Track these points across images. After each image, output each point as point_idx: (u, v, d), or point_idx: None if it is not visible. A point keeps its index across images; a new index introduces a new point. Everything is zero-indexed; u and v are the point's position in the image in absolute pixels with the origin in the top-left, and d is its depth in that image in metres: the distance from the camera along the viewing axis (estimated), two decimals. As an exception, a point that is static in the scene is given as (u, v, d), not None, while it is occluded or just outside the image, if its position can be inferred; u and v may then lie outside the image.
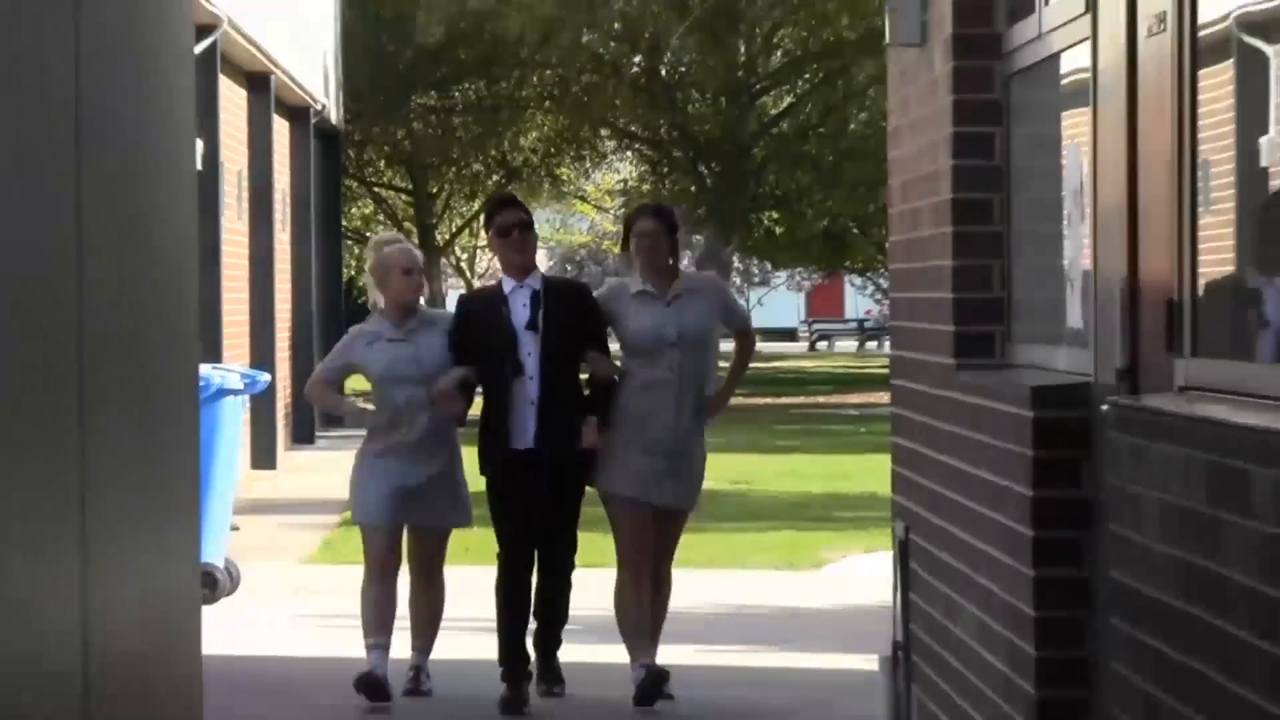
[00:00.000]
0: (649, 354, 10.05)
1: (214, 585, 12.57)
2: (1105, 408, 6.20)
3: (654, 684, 9.94)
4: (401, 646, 10.18)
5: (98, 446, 5.51)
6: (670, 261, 10.43)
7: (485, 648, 10.32)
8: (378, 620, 9.99)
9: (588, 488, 10.29)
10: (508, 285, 10.20)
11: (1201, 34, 5.83)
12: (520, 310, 9.97)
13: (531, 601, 10.12)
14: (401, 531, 10.15)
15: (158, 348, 6.42)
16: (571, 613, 10.27)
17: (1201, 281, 5.86)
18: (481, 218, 11.41)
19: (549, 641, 10.26)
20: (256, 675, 10.52)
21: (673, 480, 10.11)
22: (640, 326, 10.03)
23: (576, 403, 10.10)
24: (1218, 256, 5.79)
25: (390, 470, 9.98)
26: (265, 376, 15.45)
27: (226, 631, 10.77)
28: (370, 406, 10.57)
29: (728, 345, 11.49)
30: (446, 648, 10.43)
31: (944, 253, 7.94)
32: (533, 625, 10.27)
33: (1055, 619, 6.83)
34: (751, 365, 11.54)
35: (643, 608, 10.13)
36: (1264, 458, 4.68)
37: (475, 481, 10.34)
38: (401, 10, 35.84)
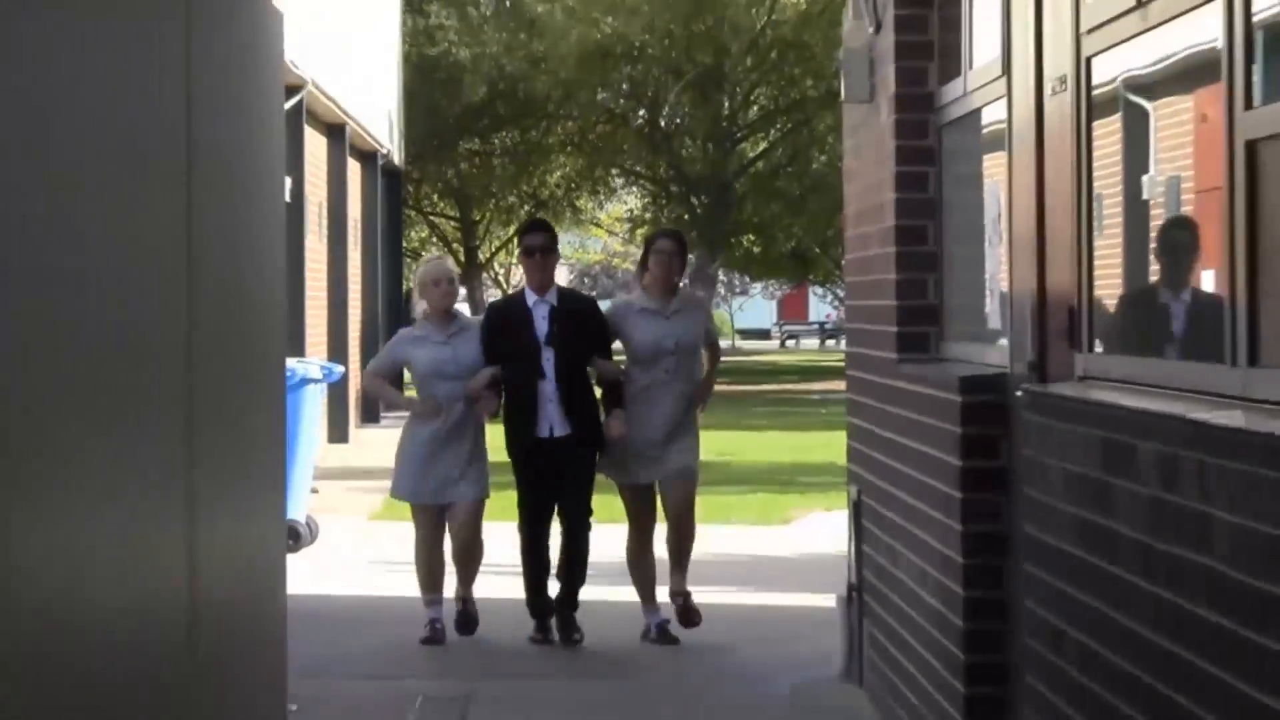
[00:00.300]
0: (651, 360, 10.05)
1: (297, 538, 12.62)
2: (1019, 394, 6.20)
3: (662, 635, 10.07)
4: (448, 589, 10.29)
5: (203, 426, 5.50)
6: (676, 279, 10.48)
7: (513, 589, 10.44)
8: (431, 581, 10.09)
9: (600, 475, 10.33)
10: (530, 298, 10.19)
11: (1095, 93, 5.83)
12: (541, 323, 9.99)
13: (548, 554, 10.17)
14: (443, 510, 10.11)
15: (253, 344, 6.41)
16: (590, 560, 10.23)
17: (1096, 291, 5.85)
18: (516, 238, 10.94)
19: (569, 601, 10.18)
20: (330, 611, 10.54)
21: (671, 457, 10.07)
22: (645, 338, 10.05)
23: (587, 397, 10.13)
24: (1108, 271, 5.79)
25: (430, 456, 9.96)
26: (340, 368, 15.47)
27: (307, 575, 10.74)
28: (414, 396, 10.48)
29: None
30: (483, 589, 10.42)
31: (888, 268, 7.93)
32: (555, 586, 10.27)
33: (979, 565, 6.82)
34: (732, 358, 11.74)
35: (648, 564, 10.18)
36: (1146, 433, 4.67)
37: (495, 454, 10.36)
38: (451, 73, 35.79)
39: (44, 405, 3.86)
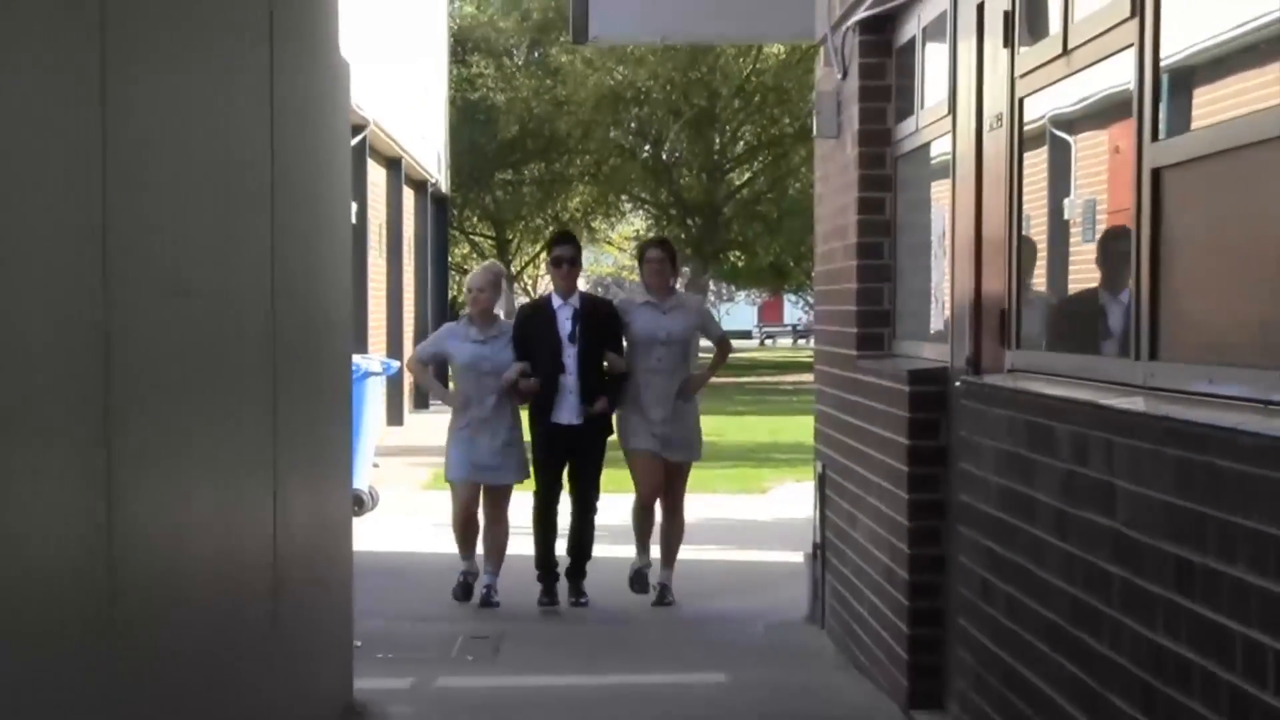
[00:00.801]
0: (645, 348, 9.62)
1: (361, 504, 12.57)
2: (957, 384, 6.20)
3: (661, 595, 9.66)
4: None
5: (285, 412, 5.52)
6: (670, 281, 10.10)
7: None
8: (467, 545, 9.75)
9: (609, 448, 9.89)
10: (555, 301, 9.78)
11: (1026, 129, 5.83)
12: (565, 324, 9.60)
13: (556, 521, 9.78)
14: (479, 487, 9.62)
15: (324, 343, 6.42)
16: (598, 525, 9.89)
17: (1024, 297, 5.85)
18: (545, 251, 10.53)
19: (577, 570, 9.80)
20: (388, 565, 10.52)
21: (672, 441, 9.66)
22: (639, 328, 9.65)
23: (600, 390, 9.63)
24: (1036, 280, 5.79)
25: (471, 442, 9.50)
26: (396, 363, 15.47)
27: (369, 535, 10.75)
28: (452, 388, 10.02)
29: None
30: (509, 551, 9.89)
31: (850, 279, 7.93)
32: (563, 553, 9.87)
33: (921, 528, 6.82)
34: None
35: (649, 523, 9.83)
36: (1063, 418, 4.69)
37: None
38: (489, 115, 35.77)
39: (160, 395, 3.88)
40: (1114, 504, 4.21)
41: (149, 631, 3.80)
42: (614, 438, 9.83)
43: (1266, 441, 3.35)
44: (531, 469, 9.71)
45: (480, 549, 9.76)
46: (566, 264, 9.87)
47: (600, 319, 9.71)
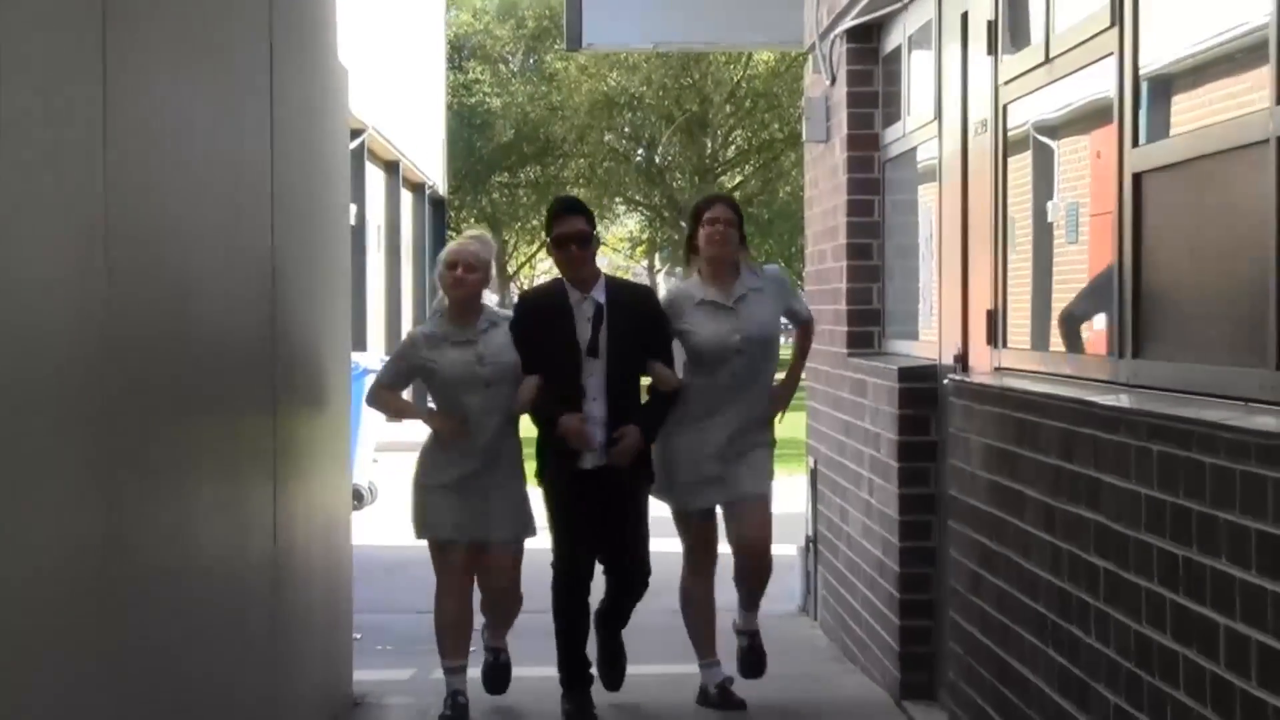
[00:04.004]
0: (712, 364, 6.46)
1: (360, 498, 12.51)
2: (946, 381, 6.20)
3: (724, 697, 6.61)
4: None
5: (285, 408, 5.52)
6: (736, 255, 6.60)
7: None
8: (454, 643, 6.46)
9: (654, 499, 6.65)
10: (571, 295, 6.38)
11: (1010, 134, 5.84)
12: (584, 326, 6.31)
13: (588, 612, 6.51)
14: (477, 551, 6.37)
15: (324, 341, 6.42)
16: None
17: (1010, 298, 5.86)
18: (544, 230, 6.63)
19: (612, 644, 6.69)
20: (386, 558, 10.43)
21: (740, 477, 6.50)
22: (704, 337, 6.43)
23: (636, 418, 6.40)
24: (1020, 281, 5.80)
25: (460, 484, 6.28)
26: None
27: (368, 529, 10.72)
28: (434, 409, 6.71)
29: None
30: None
31: (840, 279, 7.93)
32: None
33: (912, 521, 6.83)
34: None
35: (705, 604, 6.72)
36: (1048, 414, 4.69)
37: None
38: (485, 119, 35.80)
39: (162, 393, 3.88)
40: (1100, 499, 4.21)
41: (153, 625, 3.80)
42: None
43: (1247, 437, 3.36)
44: (550, 531, 6.48)
45: (476, 627, 6.70)
46: (575, 245, 6.41)
47: (636, 317, 6.43)
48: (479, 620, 6.65)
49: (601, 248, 7.05)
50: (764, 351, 6.61)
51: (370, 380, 9.07)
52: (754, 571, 6.64)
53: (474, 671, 6.62)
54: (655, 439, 6.46)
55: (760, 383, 6.60)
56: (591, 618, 6.56)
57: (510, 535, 6.38)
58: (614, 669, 6.68)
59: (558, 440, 6.31)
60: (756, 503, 6.57)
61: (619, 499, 6.37)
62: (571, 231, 6.40)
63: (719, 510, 6.67)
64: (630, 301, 6.50)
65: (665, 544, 6.79)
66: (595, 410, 6.33)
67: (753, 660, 6.74)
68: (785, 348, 7.17)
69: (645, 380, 6.54)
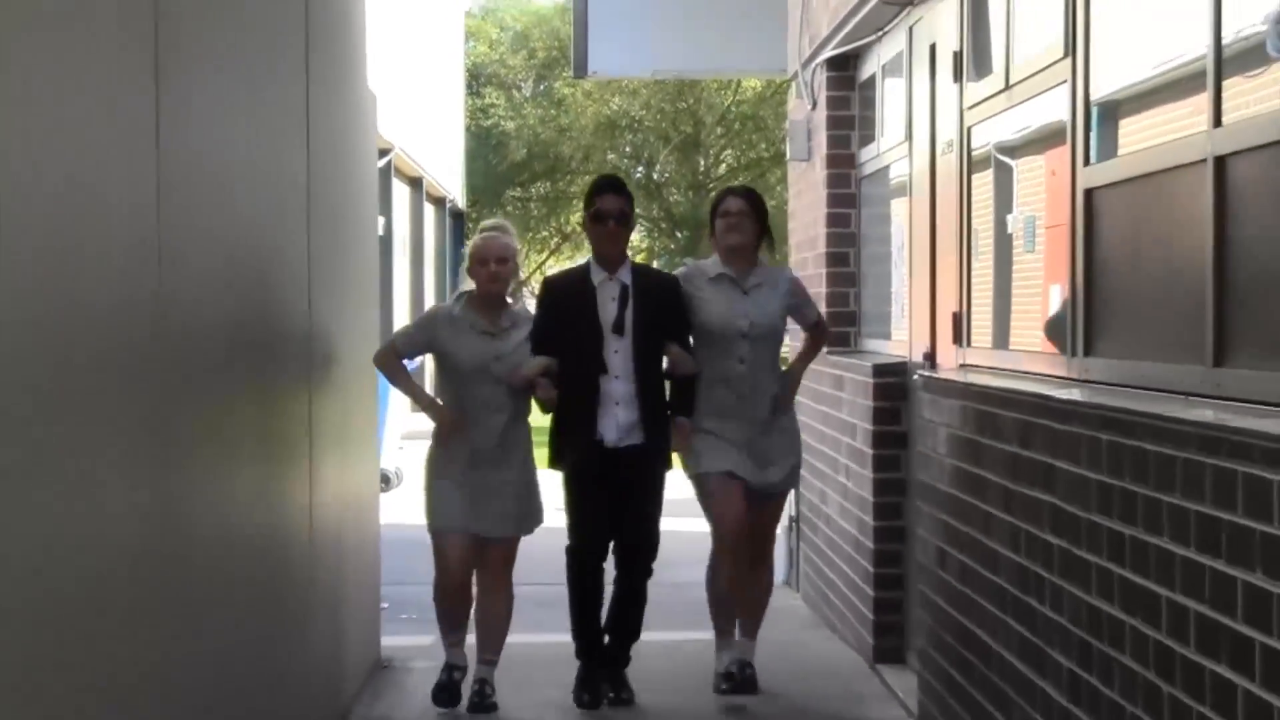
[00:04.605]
0: (722, 343, 6.04)
1: (387, 482, 12.44)
2: (916, 377, 6.20)
3: (743, 682, 6.16)
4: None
5: (320, 399, 5.52)
6: (755, 246, 6.19)
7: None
8: (453, 623, 6.16)
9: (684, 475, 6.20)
10: (596, 276, 6.02)
11: (974, 153, 5.84)
12: (609, 306, 5.96)
13: (602, 588, 6.15)
14: (474, 542, 5.97)
15: (354, 339, 6.42)
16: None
17: (974, 301, 5.86)
18: (584, 207, 6.31)
19: (620, 655, 6.22)
20: (411, 536, 10.29)
21: (759, 464, 6.10)
22: (714, 312, 6.05)
23: (659, 399, 6.04)
24: (982, 286, 5.80)
25: (468, 477, 5.92)
26: (419, 357, 15.45)
27: (394, 510, 10.73)
28: (436, 400, 6.18)
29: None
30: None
31: (820, 284, 7.93)
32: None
33: (885, 503, 6.83)
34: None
35: (726, 597, 6.22)
36: (1007, 406, 4.69)
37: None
38: (500, 139, 35.78)
39: (209, 384, 3.89)
40: (1054, 482, 4.21)
41: (200, 596, 3.80)
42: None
43: (1187, 428, 3.36)
44: (566, 511, 6.12)
45: (471, 630, 6.25)
46: (614, 220, 6.07)
47: (660, 299, 6.06)
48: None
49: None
50: (768, 343, 6.14)
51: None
52: (761, 583, 6.26)
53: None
54: (681, 414, 6.04)
55: (770, 370, 6.16)
56: (605, 609, 6.19)
57: (511, 532, 6.00)
58: (618, 649, 6.21)
59: (575, 421, 5.93)
60: (770, 495, 6.21)
61: (638, 476, 5.99)
62: (613, 208, 6.07)
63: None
64: (655, 285, 6.13)
65: (675, 524, 6.53)
66: (618, 388, 5.94)
67: (743, 685, 6.15)
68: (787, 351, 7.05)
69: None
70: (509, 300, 6.07)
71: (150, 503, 3.36)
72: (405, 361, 6.23)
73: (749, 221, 6.11)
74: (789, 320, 6.39)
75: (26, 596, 2.63)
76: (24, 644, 2.62)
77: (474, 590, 6.18)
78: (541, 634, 6.98)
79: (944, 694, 5.49)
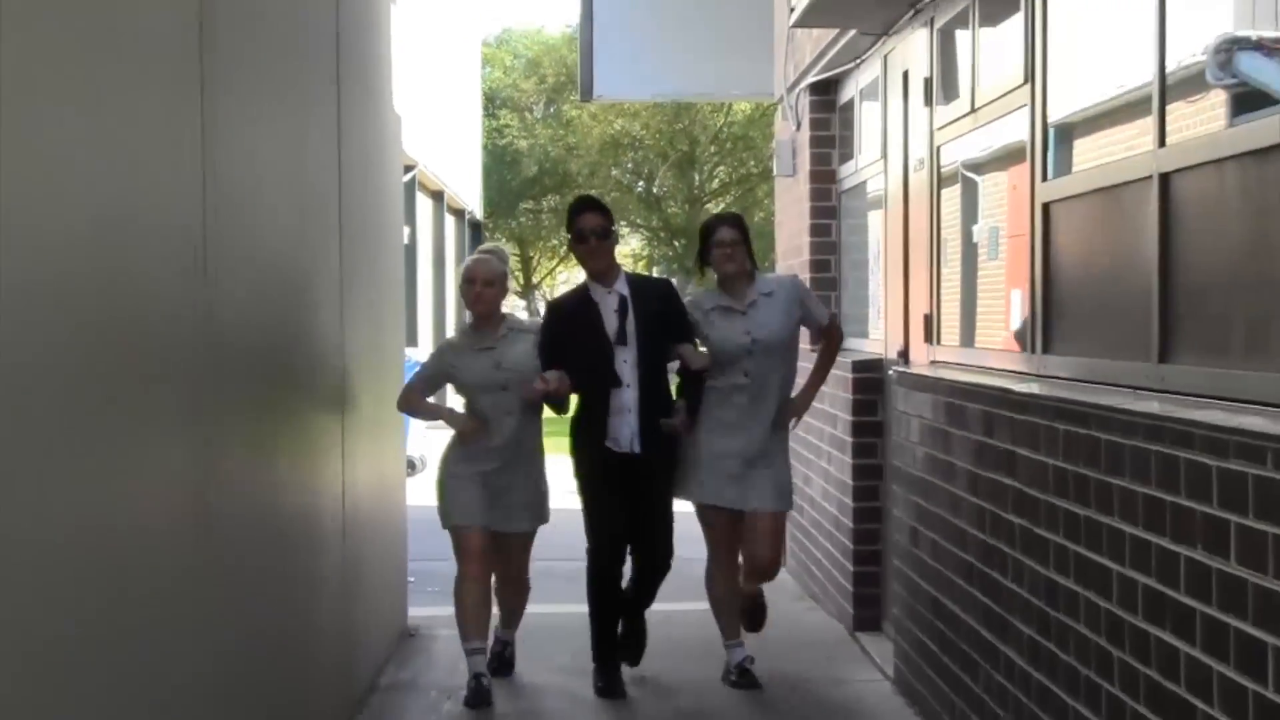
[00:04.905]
0: (727, 364, 5.74)
1: (412, 467, 12.36)
2: (891, 372, 6.20)
3: (742, 675, 5.92)
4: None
5: (352, 393, 5.53)
6: (747, 269, 5.87)
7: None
8: (476, 624, 5.78)
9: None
10: (596, 292, 5.74)
11: (943, 170, 5.84)
12: (610, 318, 5.67)
13: (620, 595, 5.89)
14: (492, 536, 5.78)
15: (383, 340, 6.43)
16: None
17: (943, 303, 5.87)
18: (565, 229, 6.04)
19: (631, 640, 6.01)
20: (433, 516, 10.36)
21: (755, 485, 5.76)
22: (716, 337, 5.75)
23: (665, 402, 5.76)
24: (951, 290, 5.81)
25: (483, 478, 5.71)
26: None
27: (419, 492, 10.69)
28: (454, 409, 6.07)
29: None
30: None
31: (804, 289, 7.95)
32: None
33: (863, 486, 6.84)
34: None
35: (728, 593, 6.00)
36: (973, 399, 4.70)
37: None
38: (514, 157, 35.79)
39: (252, 378, 3.90)
40: (1015, 467, 4.22)
41: (245, 570, 3.81)
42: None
43: (1135, 419, 3.37)
44: (584, 516, 5.82)
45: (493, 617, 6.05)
46: (595, 237, 5.74)
47: (656, 302, 5.77)
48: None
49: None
50: (775, 353, 5.81)
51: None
52: (759, 580, 6.03)
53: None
54: (690, 404, 5.74)
55: (775, 388, 5.81)
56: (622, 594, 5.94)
57: (526, 526, 5.82)
58: (635, 646, 6.01)
59: (588, 429, 5.69)
60: (771, 518, 5.82)
61: (647, 484, 5.68)
62: (591, 225, 5.75)
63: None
64: (651, 292, 5.83)
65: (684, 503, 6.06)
66: (630, 395, 5.65)
67: (752, 611, 6.11)
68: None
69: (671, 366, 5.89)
70: (503, 313, 5.87)
71: (197, 483, 3.38)
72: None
73: (741, 249, 5.83)
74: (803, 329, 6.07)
75: (94, 560, 2.65)
76: (91, 602, 2.64)
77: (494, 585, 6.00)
78: (556, 604, 6.98)
79: (917, 659, 5.50)
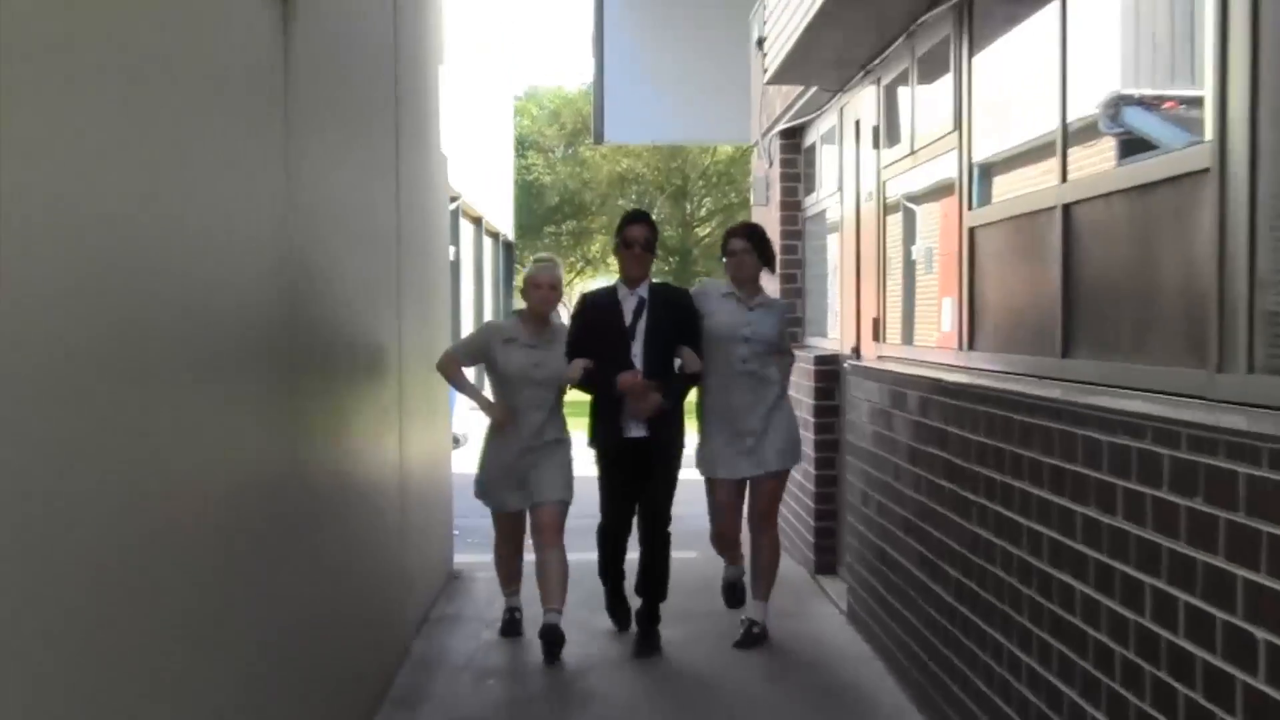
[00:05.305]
0: (727, 346, 5.43)
1: (457, 441, 12.34)
2: (846, 364, 6.20)
3: (753, 637, 5.53)
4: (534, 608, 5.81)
5: (407, 381, 5.52)
6: (758, 274, 5.58)
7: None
8: (509, 577, 5.74)
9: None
10: (621, 291, 5.45)
11: (888, 201, 5.84)
12: (629, 316, 5.41)
13: (623, 562, 5.64)
14: (524, 513, 5.60)
15: (432, 338, 6.44)
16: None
17: (888, 309, 5.87)
18: (615, 235, 5.67)
19: (649, 615, 5.57)
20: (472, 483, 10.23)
21: (757, 454, 5.47)
22: (720, 320, 5.45)
23: (669, 393, 5.42)
24: (894, 299, 5.81)
25: (514, 464, 5.45)
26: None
27: (462, 462, 10.63)
28: (489, 398, 5.60)
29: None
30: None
31: (776, 297, 7.93)
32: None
33: (823, 457, 6.83)
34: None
35: (730, 556, 5.73)
36: (912, 386, 4.70)
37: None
38: (539, 190, 35.73)
39: (328, 368, 3.91)
40: (946, 442, 4.23)
41: (324, 521, 3.83)
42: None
43: (1041, 402, 3.39)
44: (599, 491, 5.55)
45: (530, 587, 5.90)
46: (639, 246, 5.47)
47: (673, 309, 5.46)
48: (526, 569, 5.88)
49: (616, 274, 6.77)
50: (765, 351, 5.49)
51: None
52: (759, 542, 5.61)
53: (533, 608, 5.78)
54: (671, 405, 5.40)
55: (768, 372, 5.50)
56: (632, 581, 5.64)
57: (556, 497, 5.43)
58: (648, 639, 5.50)
59: (602, 413, 5.42)
60: (774, 479, 5.52)
61: (653, 461, 5.40)
62: (639, 236, 5.47)
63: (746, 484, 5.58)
64: (667, 298, 5.49)
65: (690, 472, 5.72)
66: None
67: (751, 641, 5.53)
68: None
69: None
70: (551, 318, 5.59)
71: (287, 449, 3.40)
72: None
73: (750, 257, 5.48)
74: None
75: (212, 504, 2.68)
76: (210, 537, 2.67)
77: (523, 556, 5.80)
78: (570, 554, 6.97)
79: (865, 596, 5.52)
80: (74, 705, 2.03)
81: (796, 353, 7.33)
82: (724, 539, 5.63)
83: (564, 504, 5.47)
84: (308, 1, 3.57)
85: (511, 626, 5.75)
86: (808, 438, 6.93)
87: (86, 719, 2.06)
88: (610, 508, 5.50)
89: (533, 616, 5.82)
